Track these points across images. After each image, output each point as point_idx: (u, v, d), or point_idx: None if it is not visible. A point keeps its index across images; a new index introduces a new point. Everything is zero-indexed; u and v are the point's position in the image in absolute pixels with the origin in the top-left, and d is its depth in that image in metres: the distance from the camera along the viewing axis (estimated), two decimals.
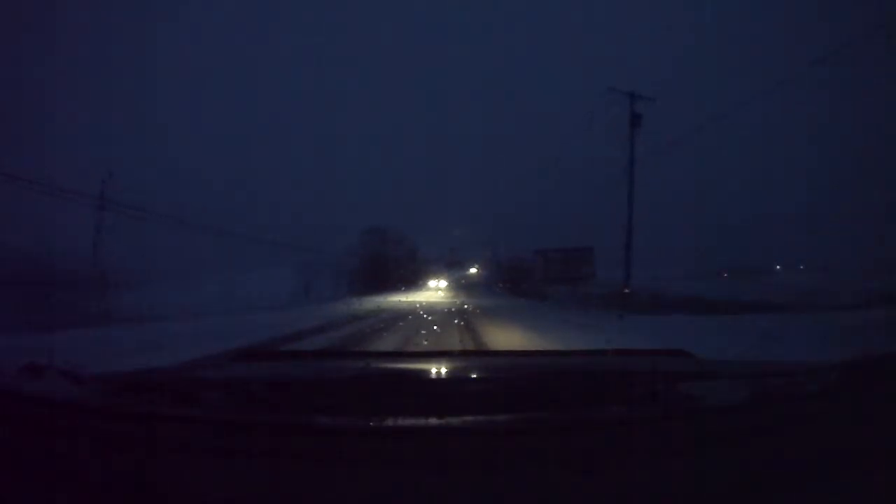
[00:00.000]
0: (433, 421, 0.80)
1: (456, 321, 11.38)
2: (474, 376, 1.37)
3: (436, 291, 32.00)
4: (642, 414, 0.89)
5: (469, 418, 0.82)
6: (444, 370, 1.43)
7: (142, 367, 1.55)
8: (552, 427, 0.82)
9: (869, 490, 0.71)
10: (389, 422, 0.82)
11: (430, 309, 14.96)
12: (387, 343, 7.98)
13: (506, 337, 8.61)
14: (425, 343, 7.68)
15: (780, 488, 0.70)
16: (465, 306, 17.42)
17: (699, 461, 0.75)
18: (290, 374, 1.38)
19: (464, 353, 2.12)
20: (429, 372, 1.39)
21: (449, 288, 34.37)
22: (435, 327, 10.36)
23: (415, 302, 18.40)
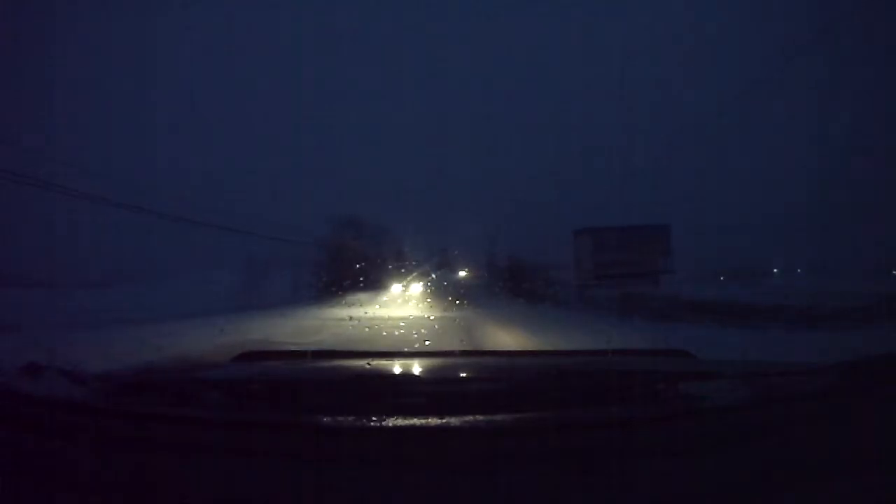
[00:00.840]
0: (433, 421, 0.80)
1: None
2: (474, 376, 1.37)
3: (418, 297, 22.80)
4: (642, 414, 0.89)
5: (469, 418, 0.82)
6: (444, 370, 1.43)
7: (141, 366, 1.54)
8: (552, 427, 0.82)
9: (868, 490, 0.71)
10: (389, 422, 0.82)
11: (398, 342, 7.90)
12: None
13: None
14: (427, 343, 7.60)
15: (780, 488, 0.70)
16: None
17: (699, 461, 0.75)
18: (290, 374, 1.38)
19: (464, 353, 2.12)
20: (429, 372, 1.39)
21: (439, 291, 24.14)
22: None
23: (380, 319, 11.13)
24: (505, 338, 7.99)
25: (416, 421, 0.83)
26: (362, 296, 18.66)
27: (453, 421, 0.81)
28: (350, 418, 0.84)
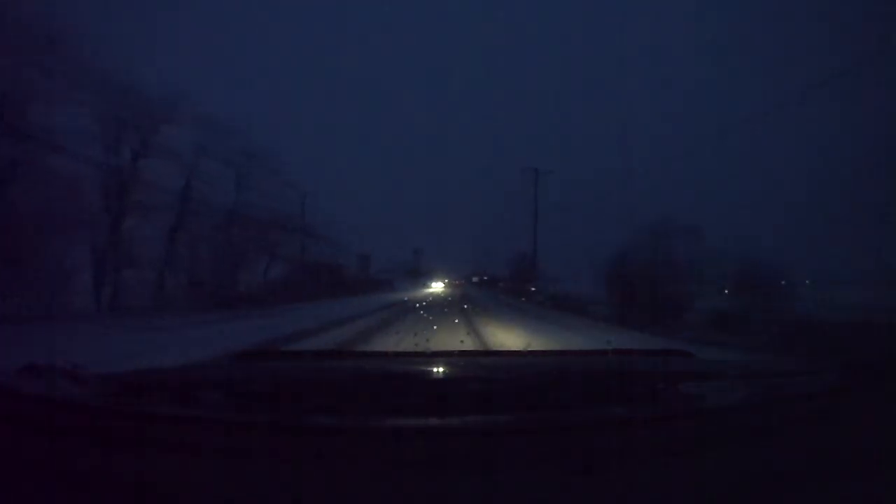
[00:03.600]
0: (433, 421, 0.80)
1: None
2: (474, 376, 1.37)
3: None
4: (642, 414, 0.89)
5: (469, 418, 0.82)
6: (444, 370, 1.43)
7: (142, 367, 1.55)
8: (552, 427, 0.82)
9: (869, 491, 0.71)
10: (389, 422, 0.81)
11: None
12: None
13: None
14: (427, 342, 7.63)
15: (781, 489, 0.70)
16: None
17: (700, 462, 0.75)
18: (290, 374, 1.38)
19: (464, 353, 2.12)
20: (429, 372, 1.39)
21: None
22: None
23: None
24: None
25: (416, 421, 0.83)
26: None
27: (453, 421, 0.81)
28: (350, 418, 0.84)
